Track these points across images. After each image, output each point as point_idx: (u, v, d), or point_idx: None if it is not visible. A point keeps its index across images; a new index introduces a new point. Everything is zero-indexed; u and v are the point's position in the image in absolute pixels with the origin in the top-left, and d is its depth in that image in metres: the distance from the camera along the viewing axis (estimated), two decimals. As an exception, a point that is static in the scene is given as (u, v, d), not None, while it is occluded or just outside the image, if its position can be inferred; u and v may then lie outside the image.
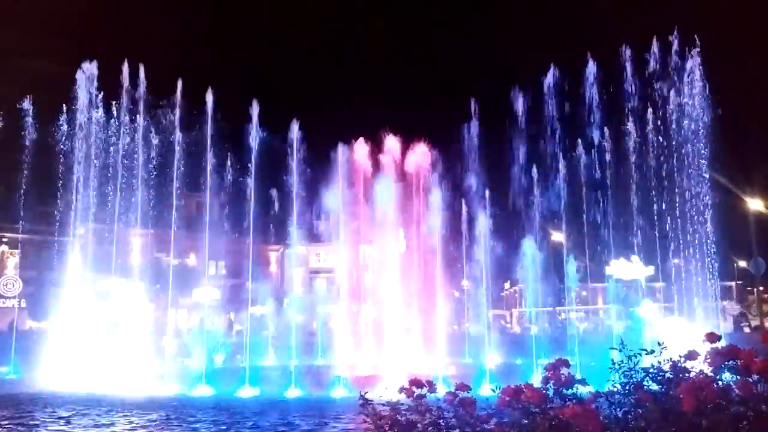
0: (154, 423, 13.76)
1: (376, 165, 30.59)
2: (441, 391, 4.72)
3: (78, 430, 12.89)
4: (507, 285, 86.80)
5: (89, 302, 27.69)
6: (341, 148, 31.04)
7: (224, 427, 13.16)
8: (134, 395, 18.00)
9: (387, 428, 4.65)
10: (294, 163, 28.80)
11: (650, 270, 47.47)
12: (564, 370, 4.28)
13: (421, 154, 30.97)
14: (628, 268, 53.36)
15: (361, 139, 31.03)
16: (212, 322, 43.21)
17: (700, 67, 28.67)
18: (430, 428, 4.55)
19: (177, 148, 27.99)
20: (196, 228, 33.84)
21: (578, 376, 4.29)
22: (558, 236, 40.76)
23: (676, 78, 29.16)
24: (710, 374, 3.51)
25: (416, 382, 4.77)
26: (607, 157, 31.31)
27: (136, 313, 28.38)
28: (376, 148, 30.76)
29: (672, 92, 29.34)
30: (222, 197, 34.80)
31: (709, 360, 3.55)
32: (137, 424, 13.54)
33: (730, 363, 3.45)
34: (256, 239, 34.76)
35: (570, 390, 4.18)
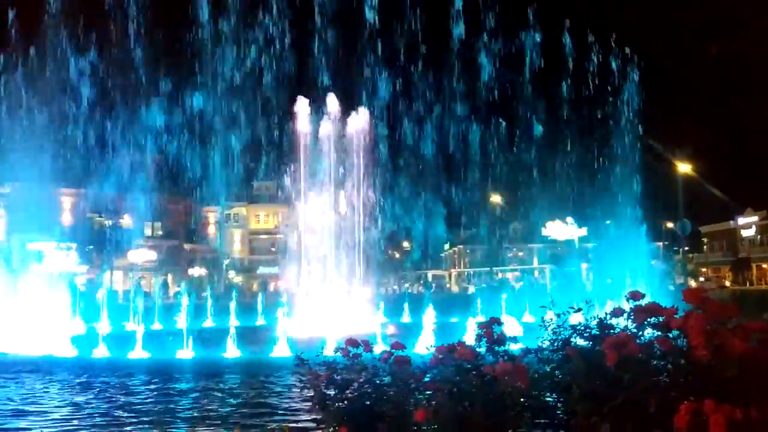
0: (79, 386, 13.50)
1: (317, 125, 30.18)
2: (378, 350, 4.76)
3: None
4: (446, 246, 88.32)
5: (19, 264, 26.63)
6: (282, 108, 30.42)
7: (157, 387, 13.01)
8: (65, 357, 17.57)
9: (323, 387, 4.67)
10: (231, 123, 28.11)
11: (583, 231, 49.16)
12: (496, 328, 4.38)
13: (361, 115, 30.73)
14: (562, 229, 55.16)
15: (301, 99, 30.40)
16: (149, 284, 42.30)
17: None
18: (365, 386, 4.60)
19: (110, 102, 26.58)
20: (131, 188, 32.77)
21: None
22: (496, 198, 41.58)
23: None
24: (633, 331, 3.65)
25: (352, 342, 4.80)
26: (542, 122, 31.84)
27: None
28: (316, 108, 30.28)
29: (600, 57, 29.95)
30: (159, 156, 33.77)
31: (632, 317, 3.68)
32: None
33: (652, 320, 3.59)
34: (194, 200, 34.07)
35: (502, 347, 4.29)
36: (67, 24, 25.35)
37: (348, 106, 30.82)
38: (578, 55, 29.26)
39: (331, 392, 4.59)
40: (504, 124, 31.86)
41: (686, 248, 56.43)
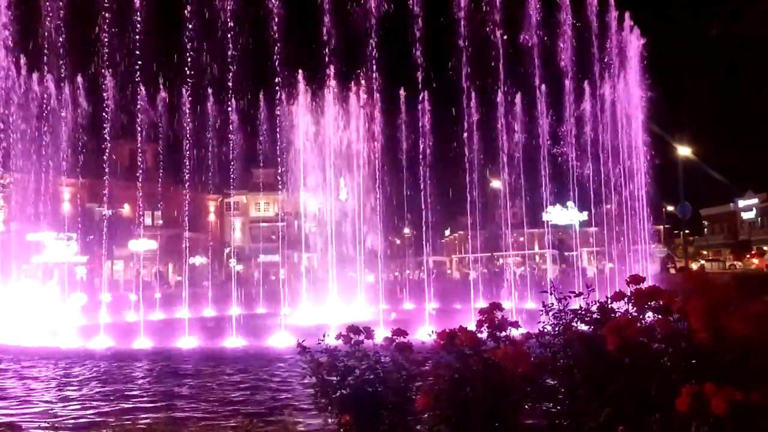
0: (87, 375, 13.54)
1: (318, 111, 29.99)
2: (380, 336, 4.76)
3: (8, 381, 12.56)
4: (447, 232, 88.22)
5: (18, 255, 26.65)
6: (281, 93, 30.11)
7: (164, 377, 13.05)
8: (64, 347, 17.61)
9: (325, 375, 4.68)
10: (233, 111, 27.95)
11: (584, 215, 49.14)
12: (497, 313, 4.37)
13: (362, 100, 30.54)
14: (563, 213, 55.16)
15: (300, 83, 30.11)
16: (149, 274, 42.37)
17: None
18: (367, 373, 4.60)
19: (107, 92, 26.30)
20: (129, 177, 32.65)
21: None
22: (496, 183, 41.48)
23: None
24: (635, 314, 3.64)
25: (353, 329, 4.79)
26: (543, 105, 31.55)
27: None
28: (316, 92, 30.01)
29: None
30: (157, 144, 33.68)
31: (633, 301, 3.67)
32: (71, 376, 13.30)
33: (652, 303, 3.58)
34: (194, 188, 34.02)
35: (503, 332, 4.28)
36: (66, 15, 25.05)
37: (347, 90, 30.60)
38: (578, 37, 28.89)
39: (333, 379, 4.60)
40: (502, 110, 31.45)
41: (687, 231, 56.44)
